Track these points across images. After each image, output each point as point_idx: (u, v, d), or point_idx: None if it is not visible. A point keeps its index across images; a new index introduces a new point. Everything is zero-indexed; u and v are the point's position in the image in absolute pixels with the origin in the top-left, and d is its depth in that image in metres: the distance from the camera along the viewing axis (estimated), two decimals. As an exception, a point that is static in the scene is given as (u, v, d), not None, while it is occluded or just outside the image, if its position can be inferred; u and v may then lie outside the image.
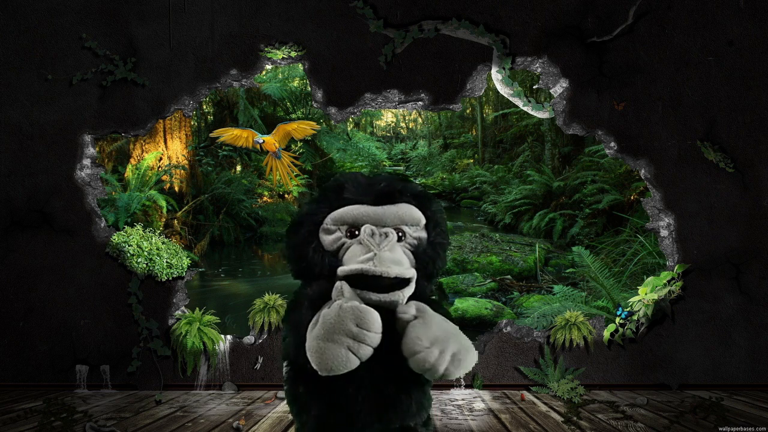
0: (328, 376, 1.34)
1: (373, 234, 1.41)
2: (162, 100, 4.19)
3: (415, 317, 1.34)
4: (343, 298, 1.35)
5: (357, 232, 1.44)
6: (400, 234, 1.45)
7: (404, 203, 1.48)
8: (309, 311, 1.40)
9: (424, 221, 1.49)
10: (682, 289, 3.97)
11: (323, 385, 1.41)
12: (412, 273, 1.38)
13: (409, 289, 1.39)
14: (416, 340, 1.29)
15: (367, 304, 1.33)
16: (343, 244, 1.45)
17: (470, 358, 1.32)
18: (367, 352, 1.29)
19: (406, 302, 1.39)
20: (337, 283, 1.39)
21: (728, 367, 3.96)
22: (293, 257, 1.51)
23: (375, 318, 1.29)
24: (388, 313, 1.36)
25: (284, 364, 1.52)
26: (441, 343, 1.29)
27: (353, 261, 1.38)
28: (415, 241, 1.48)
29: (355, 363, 1.28)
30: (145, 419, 3.29)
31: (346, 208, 1.46)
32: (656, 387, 3.96)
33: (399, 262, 1.37)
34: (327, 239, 1.47)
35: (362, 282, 1.36)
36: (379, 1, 4.11)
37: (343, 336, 1.27)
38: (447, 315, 1.46)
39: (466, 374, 4.01)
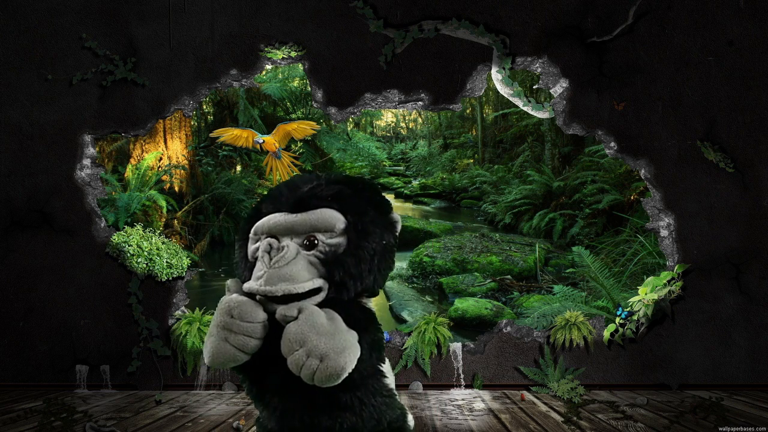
0: (254, 381, 1.41)
1: (270, 249, 1.39)
2: (162, 100, 4.19)
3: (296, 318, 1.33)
4: (229, 293, 1.39)
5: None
6: (315, 242, 1.43)
7: (322, 209, 1.45)
8: None
9: (341, 226, 1.44)
10: (682, 289, 3.97)
11: (259, 389, 1.45)
12: (308, 286, 1.36)
13: (316, 299, 1.38)
14: (287, 342, 1.28)
15: (270, 313, 1.36)
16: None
17: (340, 360, 1.26)
18: (247, 342, 1.30)
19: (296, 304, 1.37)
20: (227, 281, 1.44)
21: (728, 367, 3.96)
22: (234, 266, 1.58)
23: (250, 309, 1.31)
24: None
25: None
26: (309, 344, 1.26)
27: (254, 276, 1.41)
28: (329, 248, 1.43)
29: (238, 356, 1.31)
30: (145, 419, 3.29)
31: (264, 218, 1.48)
32: (656, 387, 3.96)
33: (290, 278, 1.35)
34: (250, 249, 1.49)
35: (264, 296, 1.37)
36: (379, 1, 4.11)
37: (221, 329, 1.31)
38: (358, 317, 1.42)
39: (466, 374, 4.02)
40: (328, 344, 1.26)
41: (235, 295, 1.36)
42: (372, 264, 1.46)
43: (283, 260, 1.37)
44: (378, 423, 1.46)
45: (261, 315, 1.34)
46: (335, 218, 1.44)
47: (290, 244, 1.40)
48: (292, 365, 1.27)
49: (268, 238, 1.42)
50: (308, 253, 1.42)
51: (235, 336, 1.30)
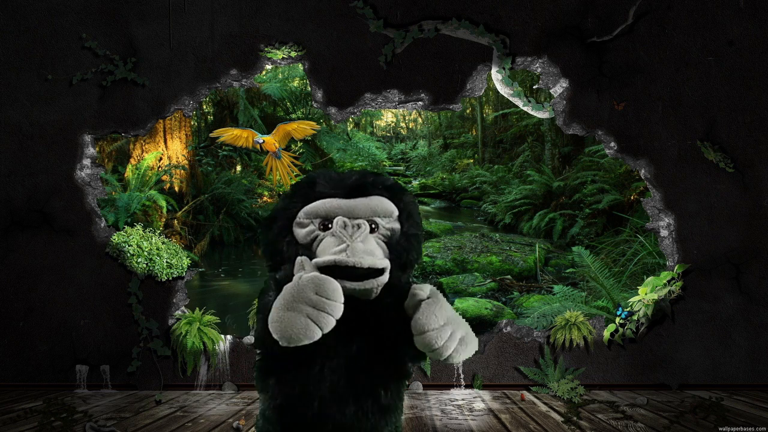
0: (297, 366, 1.39)
1: (345, 226, 1.42)
2: (162, 100, 4.19)
3: (429, 297, 1.35)
4: (304, 271, 1.37)
5: (330, 225, 1.46)
6: (373, 225, 1.47)
7: (376, 195, 1.50)
8: (275, 293, 1.40)
9: (396, 213, 1.50)
10: (682, 289, 3.97)
11: (292, 374, 1.43)
12: (385, 263, 1.39)
13: (383, 279, 1.39)
14: (432, 317, 1.30)
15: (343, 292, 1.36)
16: (316, 237, 1.47)
17: (474, 344, 1.36)
18: (328, 321, 1.29)
19: (383, 290, 1.40)
20: (298, 258, 1.41)
21: (728, 367, 3.96)
22: (269, 252, 1.55)
23: (335, 287, 1.30)
24: (363, 303, 1.38)
25: (257, 351, 1.54)
26: (452, 324, 1.31)
27: (327, 252, 1.39)
28: (388, 232, 1.49)
29: (316, 333, 1.28)
30: (145, 419, 3.29)
31: (319, 201, 1.48)
32: (656, 387, 3.96)
33: (372, 253, 1.38)
34: (301, 233, 1.49)
35: (336, 273, 1.36)
36: (379, 1, 4.11)
37: (303, 304, 1.29)
38: None
39: (466, 374, 4.02)
40: (465, 326, 1.35)
41: (316, 273, 1.34)
42: (418, 252, 1.54)
43: (363, 235, 1.41)
44: (386, 426, 1.49)
45: (342, 295, 1.33)
46: (392, 205, 1.50)
47: (365, 223, 1.44)
48: (434, 338, 1.29)
49: (341, 217, 1.44)
50: (372, 235, 1.47)
51: (318, 313, 1.28)
